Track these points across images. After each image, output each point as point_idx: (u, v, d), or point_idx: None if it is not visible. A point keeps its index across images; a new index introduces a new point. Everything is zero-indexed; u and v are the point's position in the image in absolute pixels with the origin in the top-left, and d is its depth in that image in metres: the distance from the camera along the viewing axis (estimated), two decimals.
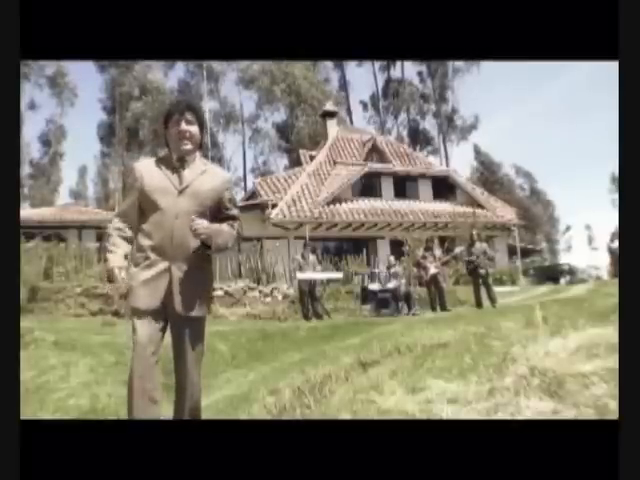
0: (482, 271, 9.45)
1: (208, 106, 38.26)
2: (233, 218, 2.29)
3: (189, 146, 2.22)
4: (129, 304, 2.19)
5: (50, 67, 34.07)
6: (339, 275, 11.97)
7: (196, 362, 2.20)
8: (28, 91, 33.21)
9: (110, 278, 2.21)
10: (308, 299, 9.67)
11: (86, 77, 62.84)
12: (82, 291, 9.41)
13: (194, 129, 2.22)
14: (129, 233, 2.24)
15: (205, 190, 2.21)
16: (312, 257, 10.13)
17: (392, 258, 11.06)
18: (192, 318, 2.17)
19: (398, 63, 42.23)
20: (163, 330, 2.17)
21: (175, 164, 2.22)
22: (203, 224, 2.09)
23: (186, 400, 2.16)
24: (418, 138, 42.64)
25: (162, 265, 2.13)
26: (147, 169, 2.24)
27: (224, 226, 2.22)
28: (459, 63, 39.84)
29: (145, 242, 2.16)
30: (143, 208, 2.21)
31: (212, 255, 2.25)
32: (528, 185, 43.88)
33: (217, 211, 2.26)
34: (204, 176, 2.24)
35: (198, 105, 2.37)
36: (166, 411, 2.21)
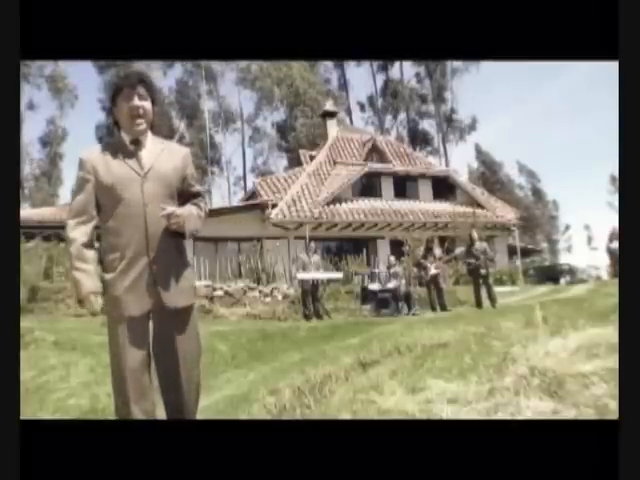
0: (482, 271, 9.46)
1: (207, 106, 38.33)
2: (196, 195, 2.14)
3: (143, 125, 2.01)
4: (117, 314, 1.98)
5: (49, 68, 34.06)
6: (339, 275, 11.99)
7: (191, 358, 2.06)
8: (28, 91, 33.21)
9: (84, 305, 1.98)
10: (309, 299, 9.68)
11: (86, 78, 62.80)
12: None
13: (147, 105, 2.02)
14: (91, 236, 1.99)
15: (168, 170, 2.03)
16: (316, 257, 10.16)
17: (392, 258, 11.08)
18: (181, 310, 2.03)
19: (396, 63, 42.21)
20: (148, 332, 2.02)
21: (129, 147, 2.01)
22: (175, 212, 1.94)
23: (183, 401, 2.06)
24: (417, 138, 42.63)
25: (141, 262, 1.95)
26: (100, 159, 2.00)
27: (192, 208, 2.06)
28: (457, 63, 39.78)
29: (117, 240, 1.96)
30: (103, 204, 2.00)
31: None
32: (529, 185, 43.91)
33: (181, 190, 2.10)
34: (164, 155, 2.06)
35: (150, 78, 2.15)
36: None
